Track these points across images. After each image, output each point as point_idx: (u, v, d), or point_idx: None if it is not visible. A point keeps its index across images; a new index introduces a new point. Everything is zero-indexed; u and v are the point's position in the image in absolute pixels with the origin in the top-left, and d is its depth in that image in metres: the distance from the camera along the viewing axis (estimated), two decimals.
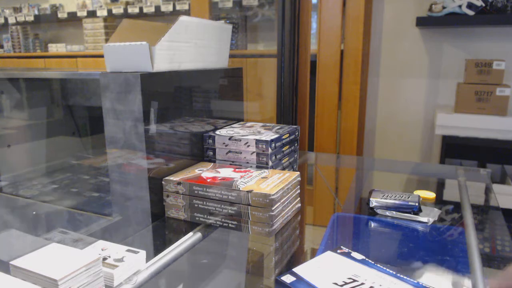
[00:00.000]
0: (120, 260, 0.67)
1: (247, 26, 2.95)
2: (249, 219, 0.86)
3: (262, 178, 0.93)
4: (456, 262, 0.80)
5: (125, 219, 0.96)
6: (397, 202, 0.99)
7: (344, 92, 1.97)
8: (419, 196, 1.01)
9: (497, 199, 1.15)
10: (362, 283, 0.66)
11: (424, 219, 0.95)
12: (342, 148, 2.02)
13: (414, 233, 0.92)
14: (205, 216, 0.91)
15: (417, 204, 0.97)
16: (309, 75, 1.86)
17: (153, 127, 0.92)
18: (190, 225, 0.92)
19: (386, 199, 1.00)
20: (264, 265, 0.81)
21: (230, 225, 0.88)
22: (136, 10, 3.51)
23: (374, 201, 1.01)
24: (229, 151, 1.07)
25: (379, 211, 1.00)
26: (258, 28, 2.98)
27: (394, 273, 0.69)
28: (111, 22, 3.73)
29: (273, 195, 0.83)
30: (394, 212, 0.98)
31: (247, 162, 1.05)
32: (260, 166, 1.03)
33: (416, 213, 0.97)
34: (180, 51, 1.02)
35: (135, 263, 0.69)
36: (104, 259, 0.67)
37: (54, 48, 4.03)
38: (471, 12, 1.90)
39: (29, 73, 1.35)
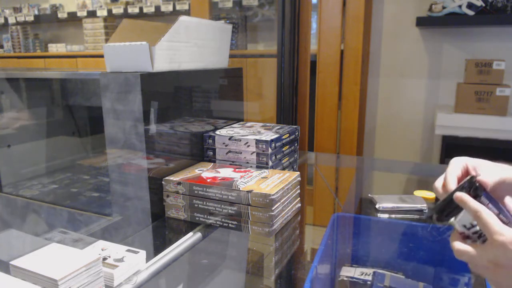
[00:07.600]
0: (120, 260, 0.67)
1: (247, 26, 2.95)
2: (249, 219, 0.86)
3: (262, 178, 0.93)
4: (456, 262, 0.80)
5: (125, 219, 0.96)
6: (404, 205, 0.98)
7: (344, 92, 1.97)
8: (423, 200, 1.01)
9: None
10: None
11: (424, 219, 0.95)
12: (342, 148, 2.02)
13: (414, 233, 0.92)
14: (205, 216, 0.91)
15: (425, 208, 0.97)
16: (309, 75, 1.86)
17: (153, 127, 0.92)
18: (190, 225, 0.92)
19: (392, 202, 1.00)
20: (264, 265, 0.81)
21: (230, 225, 0.88)
22: (136, 10, 3.51)
23: (381, 206, 1.00)
24: (229, 151, 1.07)
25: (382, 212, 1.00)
26: (258, 28, 2.97)
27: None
28: (111, 22, 3.73)
29: (273, 195, 0.83)
30: (398, 215, 0.98)
31: (247, 162, 1.05)
32: (260, 166, 1.03)
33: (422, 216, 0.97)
34: (180, 51, 1.02)
35: (135, 263, 0.69)
36: (104, 259, 0.67)
37: (54, 48, 4.03)
38: (471, 12, 1.90)
39: (29, 73, 1.35)
